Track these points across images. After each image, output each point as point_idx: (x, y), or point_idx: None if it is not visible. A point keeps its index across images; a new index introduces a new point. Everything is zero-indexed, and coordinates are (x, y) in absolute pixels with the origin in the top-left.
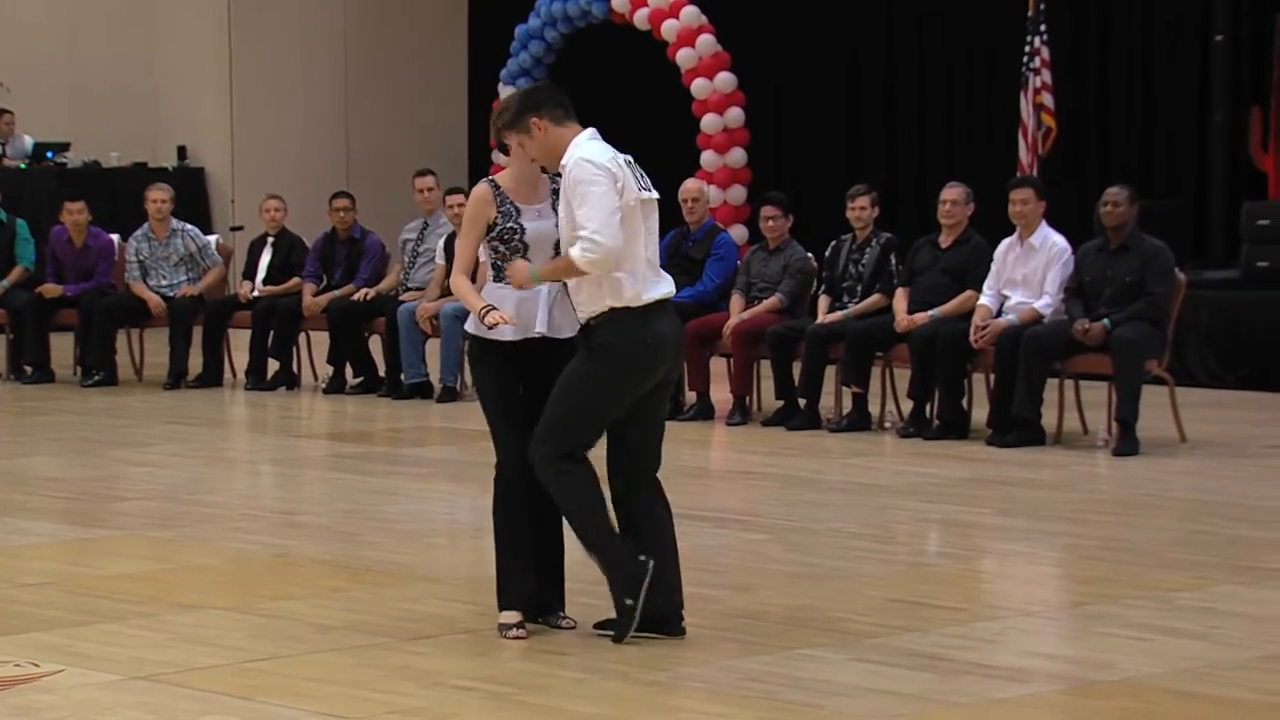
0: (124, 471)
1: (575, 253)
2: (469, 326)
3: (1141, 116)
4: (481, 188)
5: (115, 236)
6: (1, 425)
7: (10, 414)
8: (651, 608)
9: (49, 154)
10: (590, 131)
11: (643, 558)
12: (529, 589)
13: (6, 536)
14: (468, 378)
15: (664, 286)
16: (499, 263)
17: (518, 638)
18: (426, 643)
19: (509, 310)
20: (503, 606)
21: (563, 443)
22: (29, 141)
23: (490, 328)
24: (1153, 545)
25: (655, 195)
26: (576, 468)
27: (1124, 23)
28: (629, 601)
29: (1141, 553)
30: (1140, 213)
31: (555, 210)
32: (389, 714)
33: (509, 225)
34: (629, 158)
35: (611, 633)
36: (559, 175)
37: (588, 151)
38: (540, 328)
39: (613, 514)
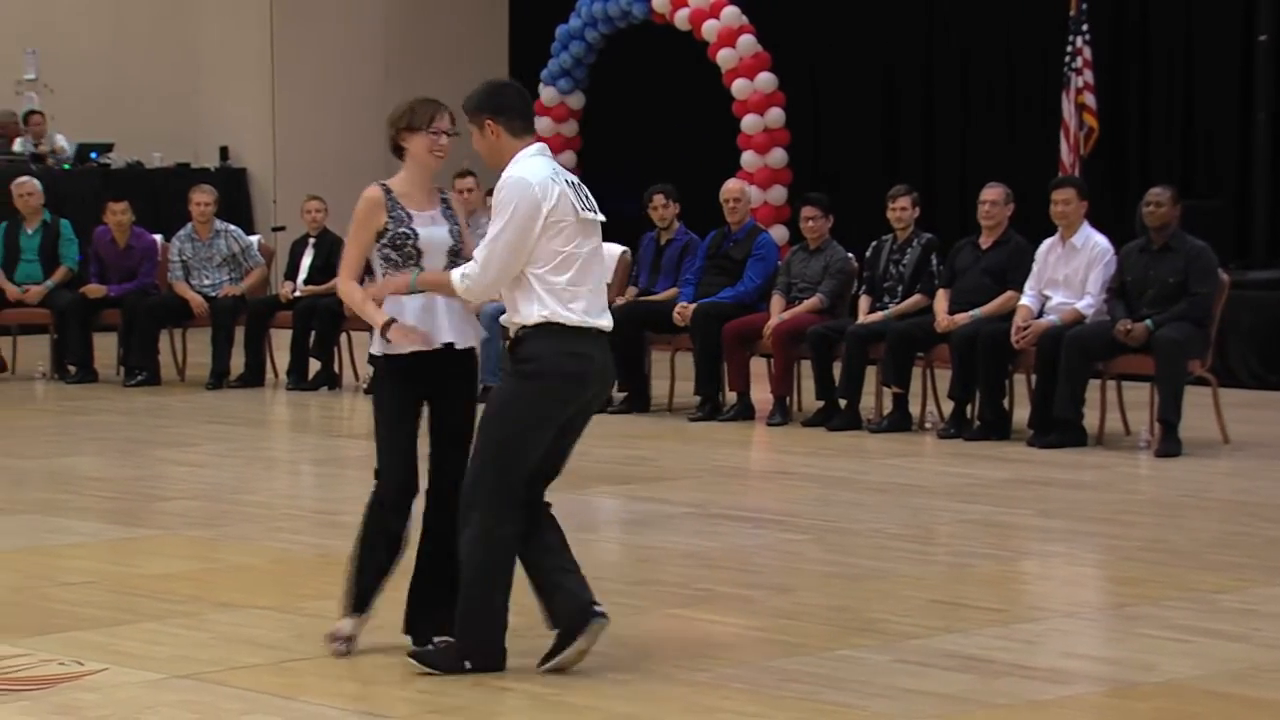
0: (166, 471)
1: (455, 273)
2: (373, 348)
3: (1183, 116)
4: (374, 191)
5: (158, 237)
6: (45, 425)
7: (54, 413)
8: (566, 622)
9: (92, 155)
10: (537, 147)
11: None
12: (372, 598)
13: (50, 535)
14: None
15: (601, 318)
16: (390, 271)
17: (344, 653)
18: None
19: (410, 320)
20: (346, 613)
21: (494, 487)
22: (62, 140)
23: (385, 339)
24: (1194, 546)
25: (599, 218)
26: (503, 525)
27: (1166, 22)
28: (468, 665)
29: (1183, 554)
30: (1183, 213)
31: (445, 218)
32: (430, 714)
33: (401, 230)
34: (575, 179)
35: (421, 657)
36: (444, 191)
37: (525, 169)
38: (447, 336)
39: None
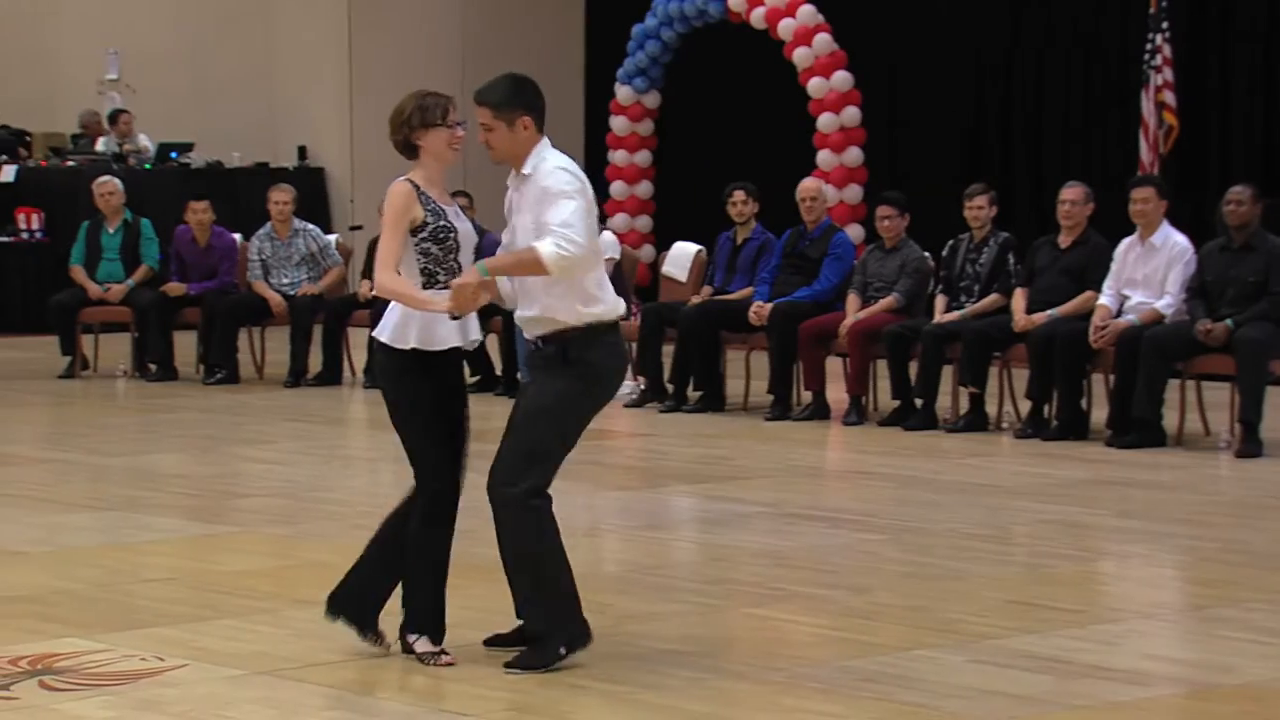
0: (245, 468)
1: (546, 247)
2: (385, 336)
3: (1265, 114)
4: (405, 186)
5: (238, 236)
6: (126, 422)
7: (135, 411)
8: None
9: (173, 154)
10: (547, 140)
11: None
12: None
13: (131, 532)
14: None
15: (621, 307)
16: (430, 266)
17: (450, 663)
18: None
19: (449, 320)
20: (438, 640)
21: (544, 473)
22: (145, 141)
23: (454, 318)
24: (1275, 548)
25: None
26: (548, 505)
27: (1246, 19)
28: (563, 650)
29: (1263, 555)
30: (1264, 211)
31: (464, 214)
32: (507, 711)
33: (442, 224)
34: None
35: (518, 663)
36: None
37: (563, 161)
38: (475, 335)
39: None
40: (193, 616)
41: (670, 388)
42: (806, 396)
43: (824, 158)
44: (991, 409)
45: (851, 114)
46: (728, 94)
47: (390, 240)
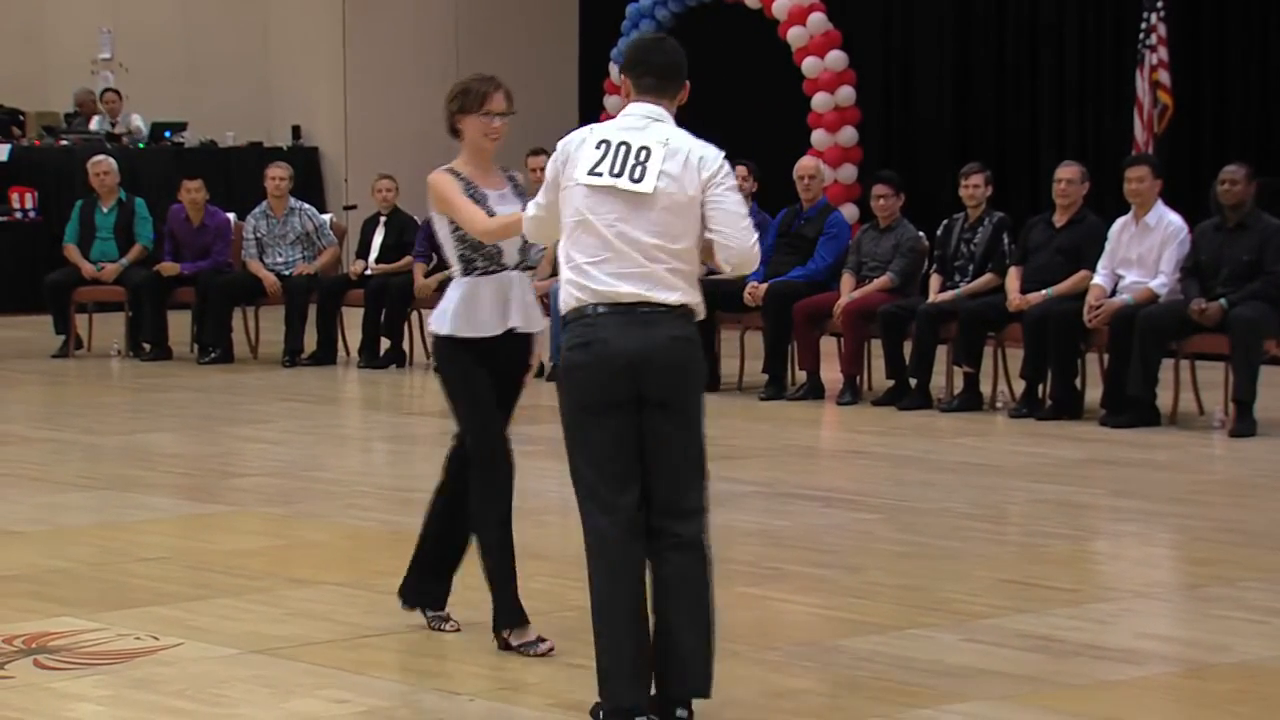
0: (240, 448)
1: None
2: (439, 327)
3: (1260, 93)
4: (443, 175)
5: (231, 215)
6: (121, 402)
7: (129, 391)
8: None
9: (166, 133)
10: (629, 108)
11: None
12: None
13: (126, 511)
14: None
15: (609, 285)
16: (467, 253)
17: (456, 629)
18: (538, 619)
19: (487, 307)
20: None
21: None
22: (136, 120)
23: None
24: (1269, 527)
25: (612, 183)
26: (597, 522)
27: None
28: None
29: (1258, 534)
30: (1258, 191)
31: (517, 197)
32: (502, 689)
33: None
34: (625, 142)
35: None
36: (509, 170)
37: (570, 135)
38: (514, 321)
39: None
40: (188, 595)
41: None
42: (801, 376)
43: (818, 137)
44: (986, 388)
45: (846, 93)
46: (722, 74)
47: (463, 206)
